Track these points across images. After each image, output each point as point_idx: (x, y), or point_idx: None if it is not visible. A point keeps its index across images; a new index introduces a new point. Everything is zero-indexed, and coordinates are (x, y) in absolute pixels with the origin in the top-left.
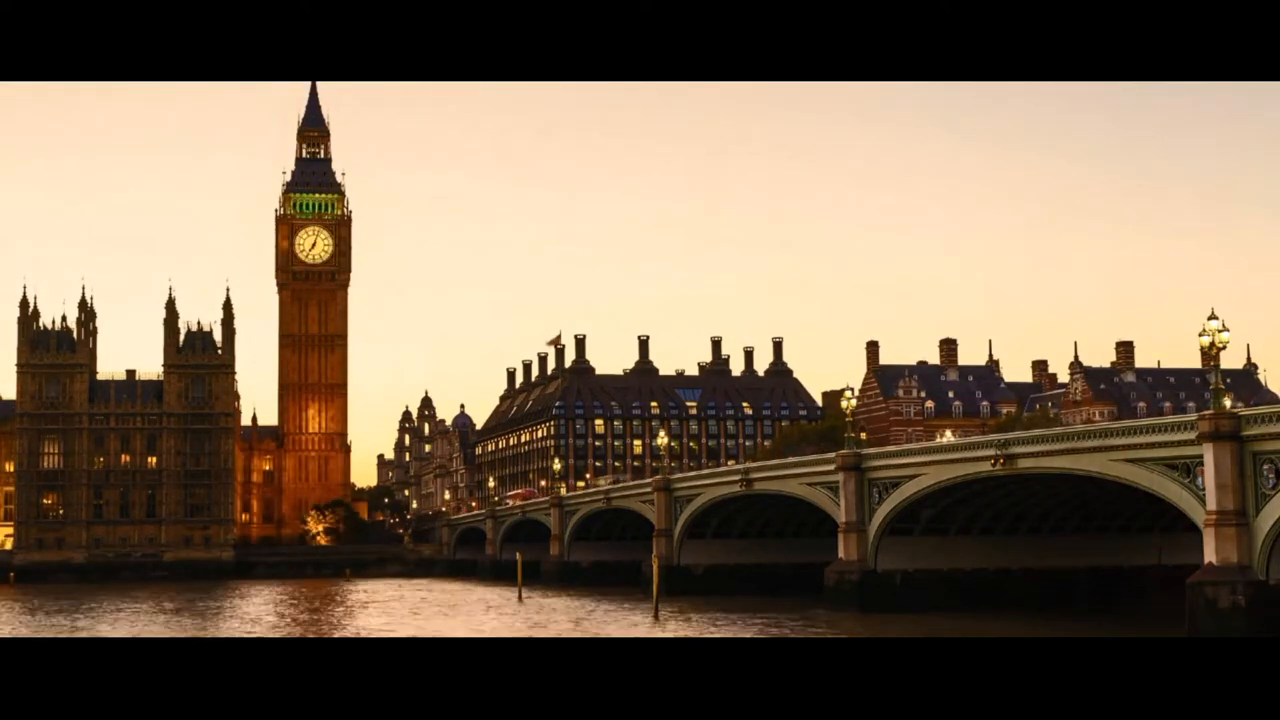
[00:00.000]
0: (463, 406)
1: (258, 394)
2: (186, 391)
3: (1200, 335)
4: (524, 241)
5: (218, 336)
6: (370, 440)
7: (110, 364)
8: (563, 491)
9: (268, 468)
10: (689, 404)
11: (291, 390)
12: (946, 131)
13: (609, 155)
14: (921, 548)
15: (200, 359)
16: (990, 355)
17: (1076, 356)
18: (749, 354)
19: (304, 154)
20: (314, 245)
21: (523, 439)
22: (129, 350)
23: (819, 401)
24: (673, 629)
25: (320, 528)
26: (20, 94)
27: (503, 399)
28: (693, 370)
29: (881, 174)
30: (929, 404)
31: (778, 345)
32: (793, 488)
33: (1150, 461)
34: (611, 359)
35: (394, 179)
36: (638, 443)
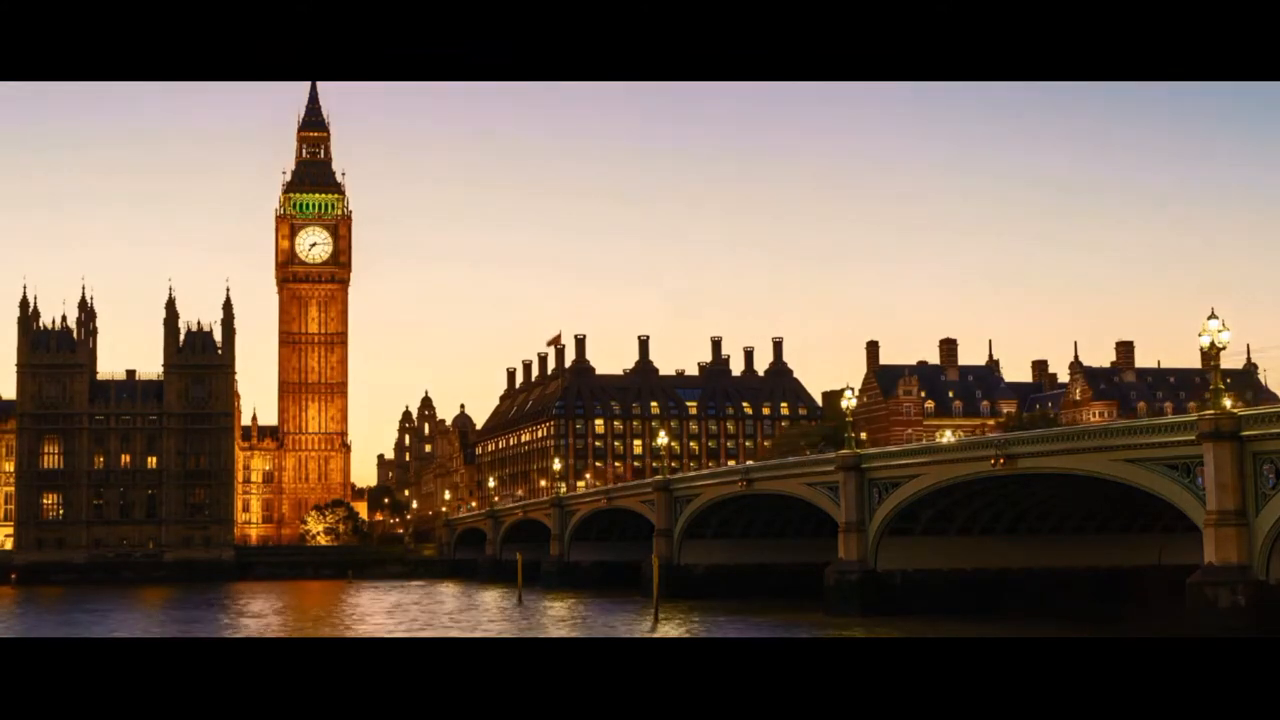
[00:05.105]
0: (463, 406)
1: (258, 394)
2: (186, 391)
3: (1200, 335)
4: (524, 241)
5: (218, 336)
6: (370, 440)
7: (110, 364)
8: (562, 491)
9: (268, 468)
10: (689, 404)
11: (291, 390)
12: (947, 131)
13: (609, 154)
14: (921, 548)
15: (200, 359)
16: (990, 355)
17: (1076, 356)
18: (749, 354)
19: (304, 154)
20: (314, 245)
21: (523, 439)
22: (129, 350)
23: (819, 401)
24: (673, 629)
25: (320, 528)
26: (21, 94)
27: (503, 399)
28: (693, 370)
29: (882, 173)
30: (929, 404)
31: (778, 345)
32: (793, 488)
33: (1150, 461)
34: (611, 359)
35: (394, 179)
36: (638, 443)
